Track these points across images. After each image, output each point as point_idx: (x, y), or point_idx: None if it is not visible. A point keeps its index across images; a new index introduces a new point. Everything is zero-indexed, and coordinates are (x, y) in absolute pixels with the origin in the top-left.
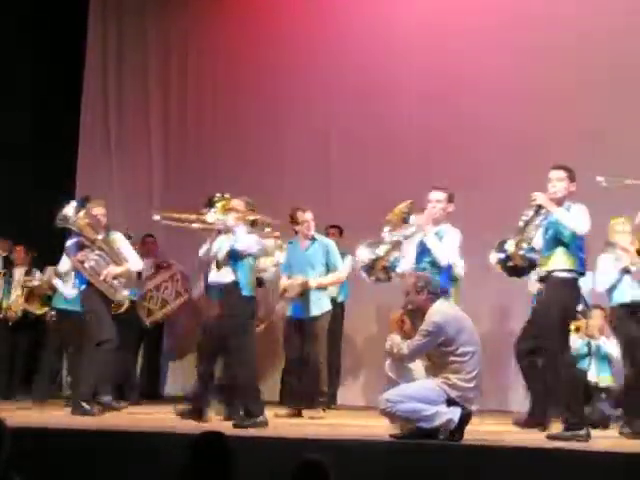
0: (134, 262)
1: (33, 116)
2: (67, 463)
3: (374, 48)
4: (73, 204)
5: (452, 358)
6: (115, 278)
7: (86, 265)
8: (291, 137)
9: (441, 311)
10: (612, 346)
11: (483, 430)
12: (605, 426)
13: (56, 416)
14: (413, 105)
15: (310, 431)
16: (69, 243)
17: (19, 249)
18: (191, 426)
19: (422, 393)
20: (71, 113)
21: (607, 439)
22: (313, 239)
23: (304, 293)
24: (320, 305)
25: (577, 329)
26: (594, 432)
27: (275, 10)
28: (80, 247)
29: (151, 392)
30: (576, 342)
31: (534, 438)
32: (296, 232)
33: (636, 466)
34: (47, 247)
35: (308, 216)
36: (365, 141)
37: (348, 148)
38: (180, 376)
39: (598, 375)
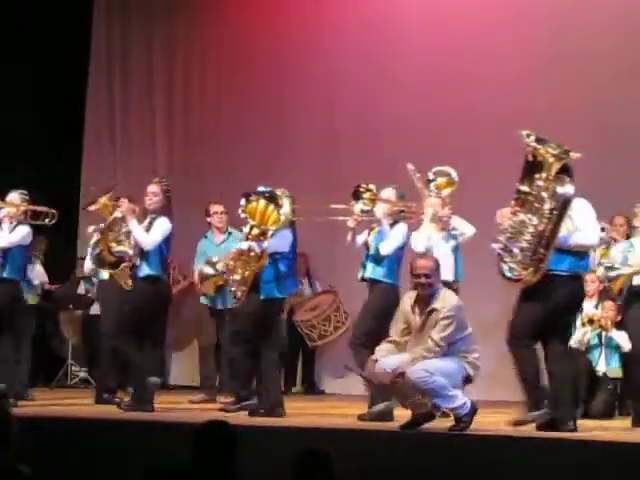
0: None
1: (36, 115)
2: (68, 454)
3: (376, 37)
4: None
5: (465, 339)
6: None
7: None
8: (296, 133)
9: (453, 295)
10: (623, 338)
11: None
12: (610, 416)
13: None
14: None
15: (315, 420)
16: None
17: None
18: (195, 415)
19: (449, 371)
20: (76, 113)
21: (610, 430)
22: (227, 232)
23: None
24: None
25: (590, 321)
26: (599, 422)
27: (278, 3)
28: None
29: None
30: (588, 333)
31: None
32: (209, 224)
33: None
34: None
35: (218, 208)
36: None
37: (354, 129)
38: (184, 366)
39: (607, 366)
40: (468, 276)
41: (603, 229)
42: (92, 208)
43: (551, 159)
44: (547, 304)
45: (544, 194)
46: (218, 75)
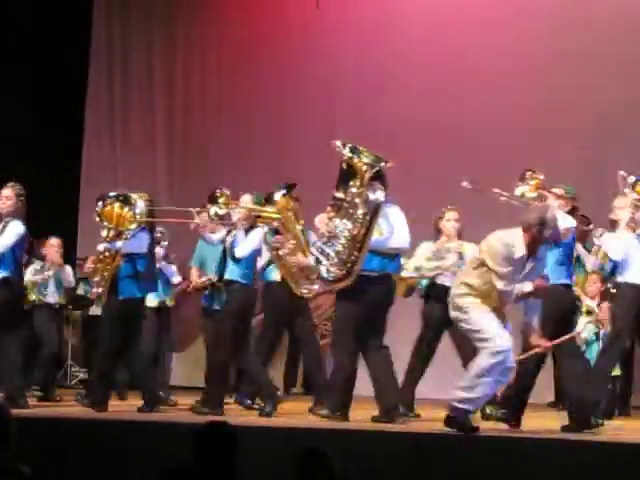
0: None
1: (36, 115)
2: (68, 454)
3: (375, 38)
4: (282, 190)
5: None
6: (301, 270)
7: (280, 252)
8: (296, 133)
9: None
10: None
11: None
12: (610, 416)
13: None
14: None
15: (315, 421)
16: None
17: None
18: (195, 416)
19: None
20: (76, 113)
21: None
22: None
23: None
24: None
25: (588, 312)
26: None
27: (279, 3)
28: (276, 233)
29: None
30: (587, 328)
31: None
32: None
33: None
34: None
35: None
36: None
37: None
38: (186, 366)
39: None
40: None
41: (602, 235)
42: (269, 207)
43: (364, 168)
44: (361, 303)
45: (357, 200)
46: (219, 75)
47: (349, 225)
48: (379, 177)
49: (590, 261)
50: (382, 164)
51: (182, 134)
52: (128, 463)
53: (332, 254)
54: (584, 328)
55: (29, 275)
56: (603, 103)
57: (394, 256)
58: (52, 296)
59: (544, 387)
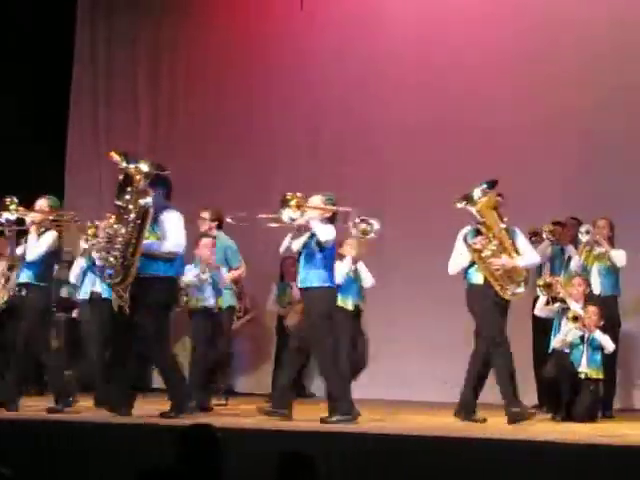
0: (527, 258)
1: (22, 115)
2: (48, 456)
3: (369, 38)
4: (483, 186)
5: None
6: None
7: (483, 254)
8: (285, 135)
9: None
10: (606, 339)
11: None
12: (593, 419)
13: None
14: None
15: (300, 424)
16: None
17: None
18: (177, 419)
19: None
20: (59, 112)
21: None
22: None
23: None
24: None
25: (575, 318)
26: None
27: (266, 4)
28: (477, 233)
29: (140, 384)
30: (572, 331)
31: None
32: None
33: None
34: None
35: (204, 215)
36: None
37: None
38: None
39: (588, 367)
40: (457, 281)
41: (588, 232)
42: (469, 207)
43: (138, 175)
44: (141, 306)
45: (131, 206)
46: (204, 79)
47: (123, 230)
48: (159, 184)
49: (575, 261)
50: (159, 172)
51: (167, 138)
52: (114, 466)
53: (111, 259)
54: (569, 332)
55: (187, 277)
56: (603, 101)
57: (173, 260)
58: (209, 300)
59: (528, 390)
